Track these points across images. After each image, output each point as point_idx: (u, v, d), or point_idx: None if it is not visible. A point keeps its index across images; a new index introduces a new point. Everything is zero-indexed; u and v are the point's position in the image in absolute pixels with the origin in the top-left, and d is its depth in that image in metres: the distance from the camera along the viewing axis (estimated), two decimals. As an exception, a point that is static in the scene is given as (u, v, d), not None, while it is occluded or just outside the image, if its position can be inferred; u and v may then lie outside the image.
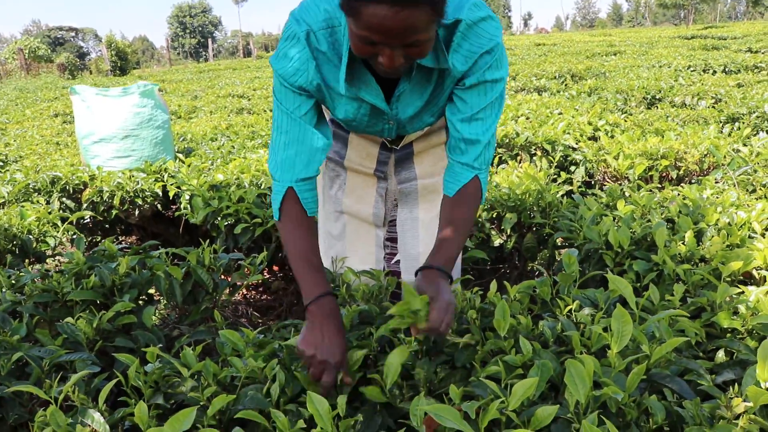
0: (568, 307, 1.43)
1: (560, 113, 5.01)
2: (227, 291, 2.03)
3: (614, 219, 2.28)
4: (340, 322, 1.33)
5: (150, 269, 2.04)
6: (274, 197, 1.48)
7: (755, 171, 3.07)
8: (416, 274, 1.39)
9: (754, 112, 5.04)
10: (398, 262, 1.93)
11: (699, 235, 2.10)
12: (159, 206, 3.56)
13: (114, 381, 1.24)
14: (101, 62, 27.02)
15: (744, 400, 1.04)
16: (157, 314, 2.72)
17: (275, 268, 3.42)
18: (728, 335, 1.56)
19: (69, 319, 1.66)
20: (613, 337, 1.20)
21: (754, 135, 4.34)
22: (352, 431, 1.08)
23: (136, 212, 3.30)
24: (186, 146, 4.41)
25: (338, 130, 1.82)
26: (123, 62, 26.45)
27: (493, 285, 1.54)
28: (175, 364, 1.30)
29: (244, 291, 3.42)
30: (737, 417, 1.02)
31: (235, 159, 3.59)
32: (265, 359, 1.34)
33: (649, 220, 2.26)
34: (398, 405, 1.20)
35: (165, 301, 2.04)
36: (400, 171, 1.82)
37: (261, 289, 3.58)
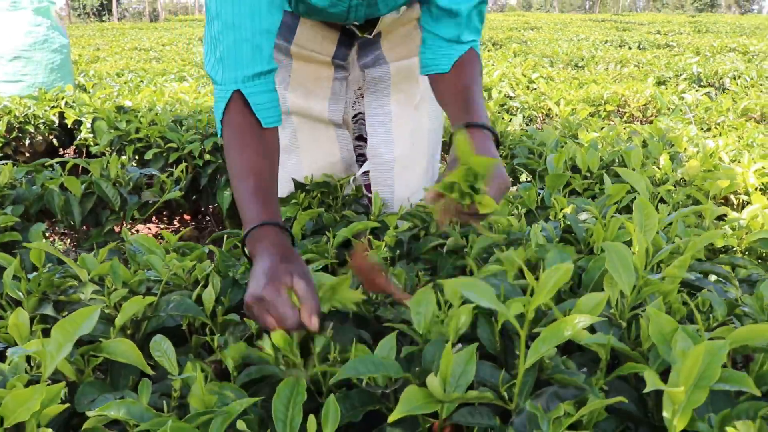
0: (564, 210, 1.20)
1: (493, 64, 4.84)
2: (137, 211, 1.68)
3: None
4: (293, 251, 0.92)
5: (41, 186, 1.67)
6: (216, 107, 1.09)
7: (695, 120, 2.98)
8: (451, 136, 1.01)
9: (681, 75, 5.05)
10: (366, 173, 1.52)
11: (671, 161, 1.94)
12: (55, 141, 3.10)
13: (-18, 284, 0.90)
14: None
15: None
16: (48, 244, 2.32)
17: (187, 216, 3.06)
18: (721, 255, 1.40)
19: (-71, 233, 1.29)
20: (636, 231, 0.98)
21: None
22: (321, 339, 0.79)
23: (27, 142, 2.84)
24: (89, 80, 3.91)
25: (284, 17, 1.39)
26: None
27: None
28: (70, 265, 0.97)
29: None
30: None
31: (145, 89, 3.17)
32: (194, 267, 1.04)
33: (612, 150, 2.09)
34: (372, 315, 0.93)
35: (60, 224, 1.67)
36: (364, 56, 1.43)
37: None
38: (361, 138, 1.49)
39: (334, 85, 1.44)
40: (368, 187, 1.50)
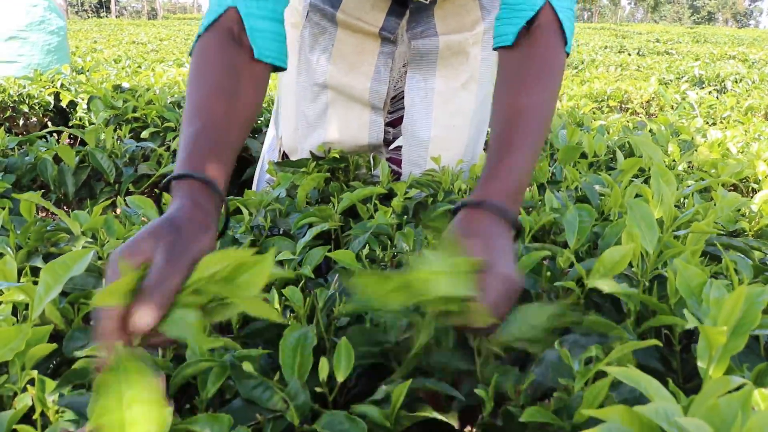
0: (577, 182, 1.16)
1: (495, 62, 4.82)
2: (133, 185, 1.64)
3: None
4: (196, 214, 0.63)
5: (35, 157, 1.62)
6: (201, 24, 0.87)
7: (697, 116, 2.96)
8: (454, 213, 0.74)
9: (683, 77, 5.04)
10: (398, 148, 1.36)
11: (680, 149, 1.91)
12: (50, 123, 3.05)
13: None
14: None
15: None
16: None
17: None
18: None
19: None
20: (654, 198, 0.94)
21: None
22: (325, 293, 0.75)
23: (21, 122, 2.78)
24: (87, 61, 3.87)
25: None
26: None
27: (481, 157, 1.25)
28: (62, 218, 0.92)
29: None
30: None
31: (144, 72, 3.13)
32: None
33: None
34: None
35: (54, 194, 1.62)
36: (415, 26, 1.26)
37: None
38: (390, 124, 1.36)
39: (379, 62, 1.29)
40: (399, 162, 1.37)
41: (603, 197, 1.05)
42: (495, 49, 0.91)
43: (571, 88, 3.49)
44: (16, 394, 0.58)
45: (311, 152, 1.32)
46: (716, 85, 4.68)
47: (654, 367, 0.65)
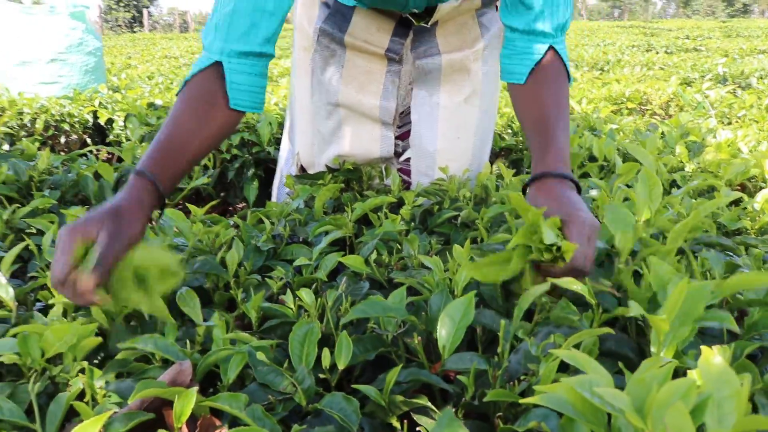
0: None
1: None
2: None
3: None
4: (136, 207, 0.84)
5: (77, 174, 1.75)
6: (191, 70, 1.04)
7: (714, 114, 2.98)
8: (524, 191, 0.94)
9: (707, 75, 5.03)
10: (408, 159, 1.45)
11: (689, 150, 1.96)
12: (88, 139, 3.21)
13: (22, 246, 0.97)
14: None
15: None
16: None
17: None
18: (735, 237, 1.42)
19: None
20: (640, 202, 1.02)
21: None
22: (334, 294, 0.85)
23: (62, 140, 2.95)
24: (122, 79, 4.05)
25: (339, 2, 1.36)
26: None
27: (486, 166, 1.33)
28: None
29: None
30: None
31: (174, 89, 3.27)
32: (218, 234, 1.10)
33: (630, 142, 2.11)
34: (385, 277, 0.98)
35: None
36: (419, 45, 1.36)
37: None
38: (399, 137, 1.44)
39: (386, 80, 1.38)
40: (409, 173, 1.46)
41: (595, 201, 1.13)
42: (510, 88, 1.08)
43: (591, 91, 3.53)
44: (68, 381, 0.69)
45: (326, 165, 1.42)
46: (740, 83, 4.67)
47: (625, 354, 0.73)
